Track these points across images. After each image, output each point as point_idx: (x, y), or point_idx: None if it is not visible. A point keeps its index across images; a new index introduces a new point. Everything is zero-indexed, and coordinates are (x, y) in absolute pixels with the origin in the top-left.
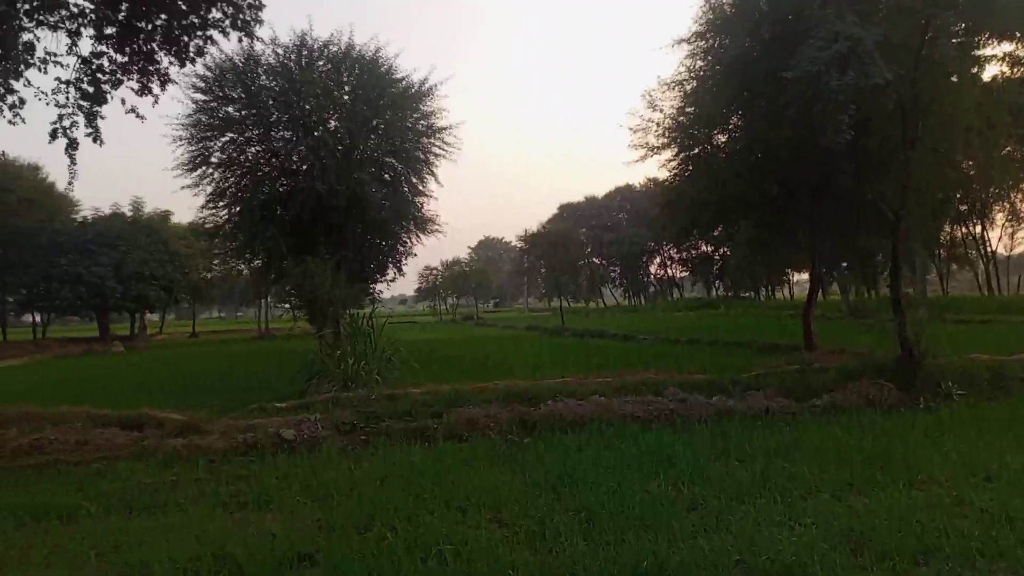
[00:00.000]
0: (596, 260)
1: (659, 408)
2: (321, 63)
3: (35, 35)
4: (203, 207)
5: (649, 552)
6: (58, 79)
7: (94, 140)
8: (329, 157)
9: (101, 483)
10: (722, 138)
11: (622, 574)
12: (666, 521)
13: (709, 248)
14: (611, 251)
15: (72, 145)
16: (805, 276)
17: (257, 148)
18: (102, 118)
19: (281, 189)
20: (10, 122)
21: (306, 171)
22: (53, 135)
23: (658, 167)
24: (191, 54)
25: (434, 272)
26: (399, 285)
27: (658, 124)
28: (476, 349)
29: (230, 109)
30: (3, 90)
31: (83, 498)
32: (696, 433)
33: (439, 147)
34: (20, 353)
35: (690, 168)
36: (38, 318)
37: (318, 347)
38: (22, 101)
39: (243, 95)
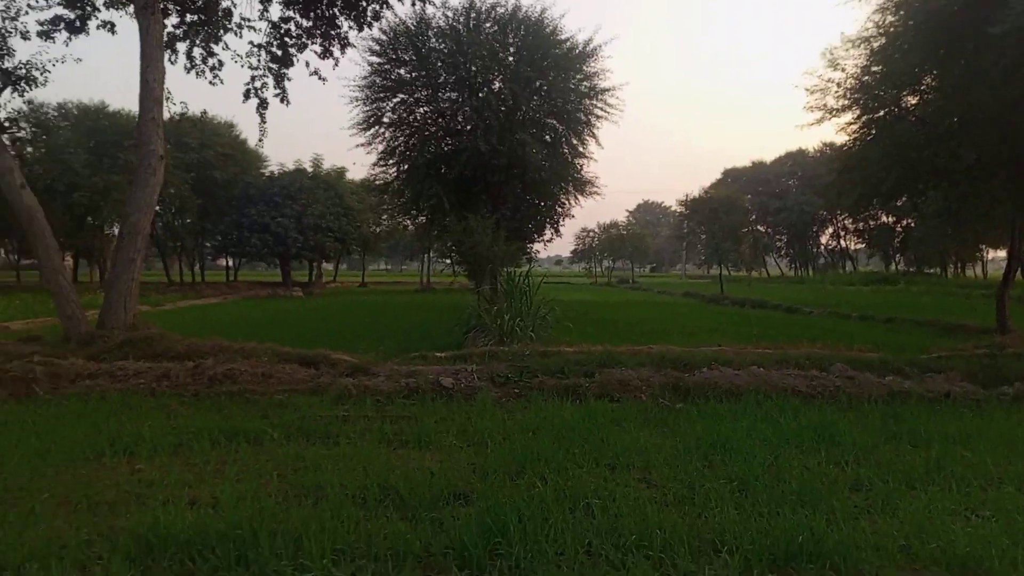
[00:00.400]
0: (761, 228)
1: (824, 384)
2: (488, 25)
3: (232, 1)
4: (375, 164)
5: (806, 528)
6: (251, 43)
7: (281, 100)
8: (492, 117)
9: (282, 412)
10: (912, 100)
11: (775, 546)
12: (826, 499)
13: (889, 218)
14: (778, 219)
15: (263, 104)
16: (1002, 254)
17: (425, 108)
18: (288, 80)
19: (446, 148)
20: (210, 83)
21: (470, 131)
22: (246, 95)
23: (836, 131)
24: (369, 18)
25: (591, 234)
26: (555, 246)
27: (839, 84)
28: (630, 313)
29: (402, 71)
30: (205, 53)
31: (267, 425)
32: (864, 413)
33: (601, 108)
34: (215, 293)
35: (873, 132)
36: (230, 263)
37: (476, 302)
38: (220, 63)
39: (414, 57)
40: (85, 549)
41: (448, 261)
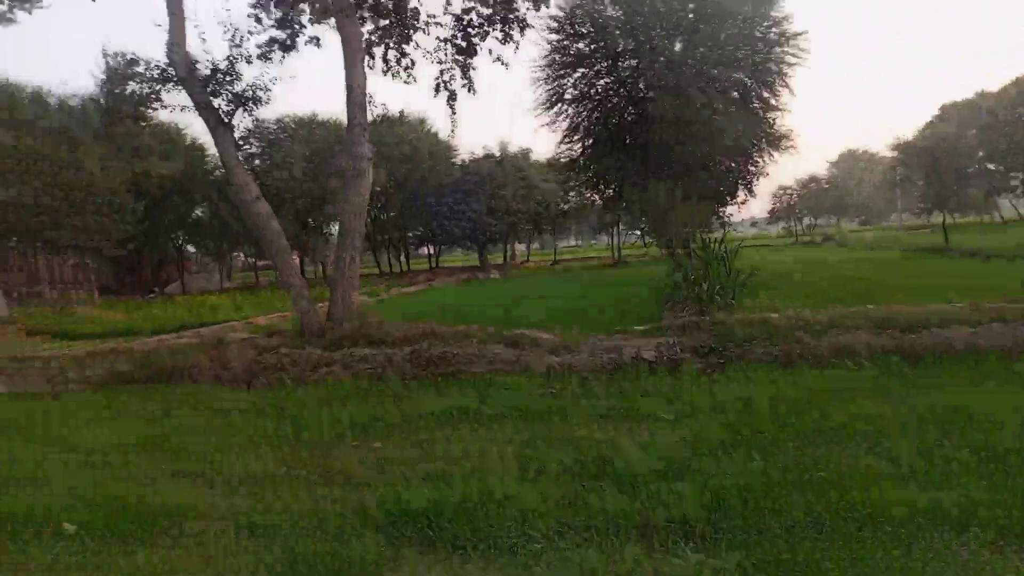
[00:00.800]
0: (991, 166)
1: None
2: None
3: (419, 1)
4: (559, 143)
5: None
6: (437, 38)
7: (469, 90)
8: (675, 80)
9: (494, 392)
10: None
11: None
12: None
13: None
14: (1013, 154)
15: (452, 97)
16: None
17: (606, 80)
18: (474, 69)
19: (628, 118)
20: (405, 82)
21: (652, 98)
22: (436, 89)
23: None
24: None
25: (788, 191)
26: (751, 207)
27: None
28: (839, 272)
29: (580, 45)
30: (399, 55)
31: (483, 404)
32: None
33: (792, 55)
34: (420, 280)
35: None
36: (431, 250)
37: (671, 272)
38: (412, 63)
39: (591, 29)
40: (340, 521)
41: (638, 232)
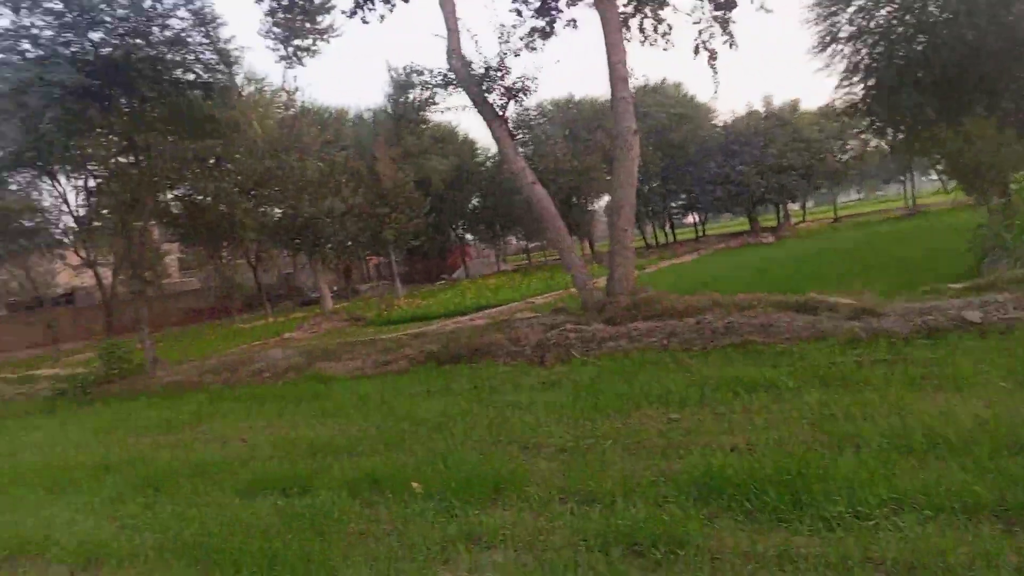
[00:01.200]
0: None
1: None
2: None
3: None
4: (836, 87)
5: None
6: None
7: (730, 46)
8: None
9: (790, 361)
10: None
11: None
12: None
13: None
14: None
15: (712, 56)
16: None
17: (887, 9)
18: (733, 23)
19: (919, 48)
20: (663, 49)
21: (947, 20)
22: (695, 51)
23: None
24: None
25: None
26: None
27: None
28: None
29: None
30: (655, 22)
31: (780, 373)
32: None
33: None
34: (686, 251)
35: None
36: (696, 218)
37: (988, 220)
38: (670, 27)
39: None
40: (653, 490)
41: (937, 178)
